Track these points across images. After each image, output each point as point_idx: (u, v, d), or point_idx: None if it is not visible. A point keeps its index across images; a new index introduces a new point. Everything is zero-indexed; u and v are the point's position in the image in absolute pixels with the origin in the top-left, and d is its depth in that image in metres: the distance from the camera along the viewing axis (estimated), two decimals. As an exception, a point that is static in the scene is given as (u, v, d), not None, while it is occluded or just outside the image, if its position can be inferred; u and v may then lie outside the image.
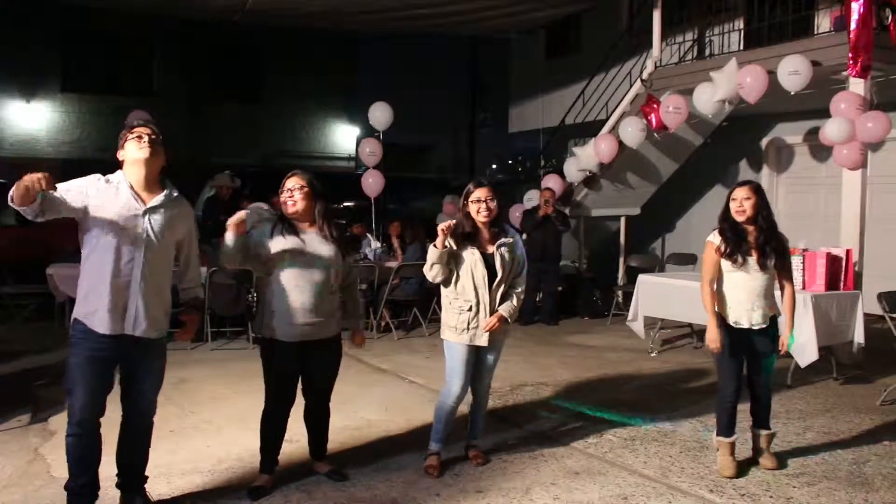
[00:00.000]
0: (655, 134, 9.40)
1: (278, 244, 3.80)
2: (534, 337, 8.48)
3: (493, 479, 4.12)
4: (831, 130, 7.18)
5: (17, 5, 13.55)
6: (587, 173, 10.24)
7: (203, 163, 14.10)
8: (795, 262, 6.51)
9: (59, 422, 5.04)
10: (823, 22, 8.75)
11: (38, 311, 8.79)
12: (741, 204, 4.21)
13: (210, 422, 5.03)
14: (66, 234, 11.35)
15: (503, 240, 4.20)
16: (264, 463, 4.00)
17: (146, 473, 3.72)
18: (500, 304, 4.17)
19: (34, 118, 15.79)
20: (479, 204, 4.13)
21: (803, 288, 6.45)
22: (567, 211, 10.70)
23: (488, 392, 4.48)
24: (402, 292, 8.59)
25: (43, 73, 15.64)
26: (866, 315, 6.50)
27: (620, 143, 9.56)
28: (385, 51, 18.00)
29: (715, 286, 4.31)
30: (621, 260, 10.63)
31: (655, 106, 9.18)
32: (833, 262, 6.46)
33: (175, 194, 3.51)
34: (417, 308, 8.58)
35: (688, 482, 4.12)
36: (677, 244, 11.75)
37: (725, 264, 4.24)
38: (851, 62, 7.14)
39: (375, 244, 9.19)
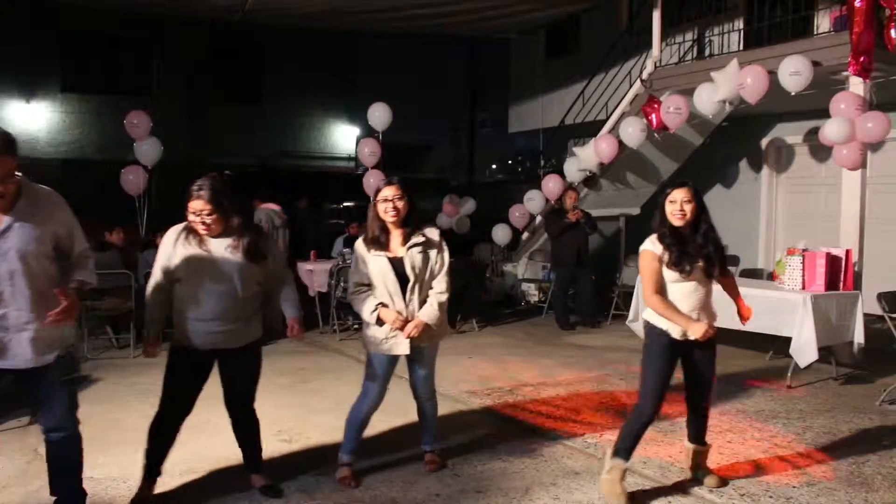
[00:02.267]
0: (655, 134, 9.40)
1: (181, 253, 3.63)
2: (534, 337, 8.48)
3: (493, 479, 4.12)
4: (831, 130, 7.17)
5: (17, 5, 13.55)
6: (587, 173, 10.24)
7: (203, 163, 14.10)
8: (795, 262, 6.52)
9: (59, 422, 5.05)
10: (823, 22, 8.75)
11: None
12: (681, 207, 3.74)
13: (208, 422, 5.01)
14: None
15: (414, 240, 3.95)
16: (149, 469, 3.76)
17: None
18: (420, 308, 3.98)
19: (34, 118, 15.80)
20: (386, 203, 3.91)
21: (803, 288, 6.45)
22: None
23: (433, 400, 4.26)
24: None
25: (43, 73, 15.65)
26: (866, 315, 6.50)
27: (620, 143, 9.56)
28: (385, 51, 18.01)
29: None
30: (622, 260, 10.61)
31: (656, 106, 9.18)
32: (833, 262, 6.46)
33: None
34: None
35: (688, 482, 4.12)
36: (677, 244, 11.73)
37: (670, 275, 3.76)
38: (852, 62, 7.14)
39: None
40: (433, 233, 4.08)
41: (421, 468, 4.24)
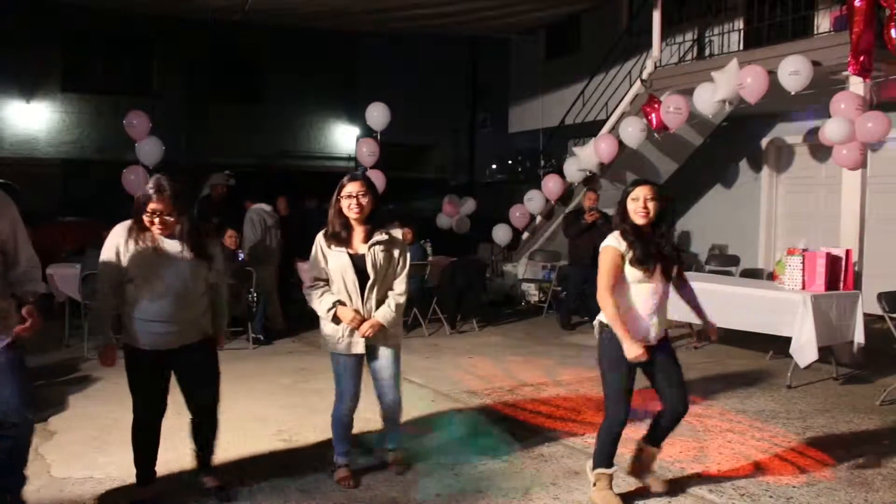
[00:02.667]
0: (655, 134, 9.39)
1: (132, 253, 3.53)
2: (534, 337, 8.48)
3: (493, 479, 4.12)
4: (831, 130, 7.17)
5: (17, 5, 13.55)
6: (587, 173, 10.24)
7: (203, 163, 14.10)
8: (795, 262, 6.52)
9: (59, 422, 5.05)
10: (823, 22, 8.75)
11: (37, 311, 8.77)
12: (644, 205, 3.61)
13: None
14: (67, 234, 11.41)
15: (377, 237, 3.88)
16: (140, 476, 3.74)
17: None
18: (377, 308, 3.91)
19: (34, 118, 15.79)
20: (350, 199, 3.82)
21: (803, 288, 6.45)
22: (567, 211, 10.72)
23: (395, 400, 4.17)
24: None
25: (43, 73, 15.65)
26: (866, 315, 6.50)
27: (620, 143, 9.56)
28: (385, 51, 17.98)
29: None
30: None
31: (656, 106, 9.18)
32: (833, 262, 6.46)
33: None
34: (417, 308, 8.58)
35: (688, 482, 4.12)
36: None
37: (634, 274, 3.63)
38: (852, 61, 7.13)
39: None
40: (398, 232, 4.02)
41: (422, 468, 4.24)
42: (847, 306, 6.37)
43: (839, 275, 6.51)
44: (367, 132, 10.38)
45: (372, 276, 3.87)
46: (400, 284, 3.98)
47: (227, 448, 4.54)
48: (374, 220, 3.91)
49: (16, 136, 15.61)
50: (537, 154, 14.01)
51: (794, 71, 7.49)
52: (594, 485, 3.80)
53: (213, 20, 10.81)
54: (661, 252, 3.66)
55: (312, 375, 6.41)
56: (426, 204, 13.16)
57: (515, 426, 5.10)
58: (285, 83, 17.57)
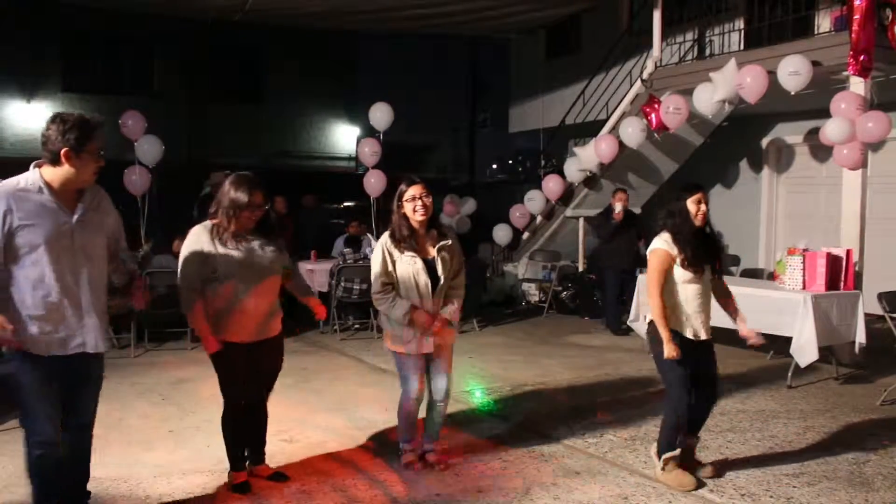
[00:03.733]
0: (656, 134, 9.39)
1: (220, 252, 3.72)
2: (534, 337, 8.48)
3: (493, 479, 4.12)
4: (831, 130, 7.17)
5: (17, 5, 13.55)
6: (587, 173, 10.24)
7: (203, 163, 14.10)
8: (796, 262, 6.53)
9: (60, 422, 5.05)
10: (823, 22, 8.75)
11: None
12: (702, 209, 3.95)
13: (210, 421, 5.02)
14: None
15: (443, 242, 4.01)
16: (233, 461, 3.95)
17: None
18: (443, 307, 4.03)
19: (34, 118, 15.77)
20: (415, 202, 3.91)
21: (803, 288, 6.45)
22: (567, 211, 10.72)
23: (446, 398, 4.23)
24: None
25: (43, 73, 15.65)
26: (866, 315, 6.50)
27: (621, 143, 9.56)
28: (385, 51, 18.00)
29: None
30: (621, 260, 10.61)
31: (656, 106, 9.18)
32: (833, 262, 6.46)
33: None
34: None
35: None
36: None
37: (684, 275, 3.89)
38: (852, 61, 7.13)
39: (375, 244, 9.18)
40: (452, 232, 4.14)
41: (422, 468, 4.24)
42: (847, 306, 6.37)
43: (839, 275, 6.51)
44: (368, 132, 10.39)
45: (442, 279, 3.98)
46: (460, 281, 4.10)
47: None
48: (435, 223, 4.06)
49: (16, 136, 15.61)
50: (537, 154, 14.01)
51: (793, 71, 7.49)
52: (662, 469, 4.06)
53: (213, 20, 10.81)
54: (713, 253, 3.96)
55: (314, 375, 6.41)
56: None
57: (515, 426, 5.10)
58: (285, 83, 17.57)
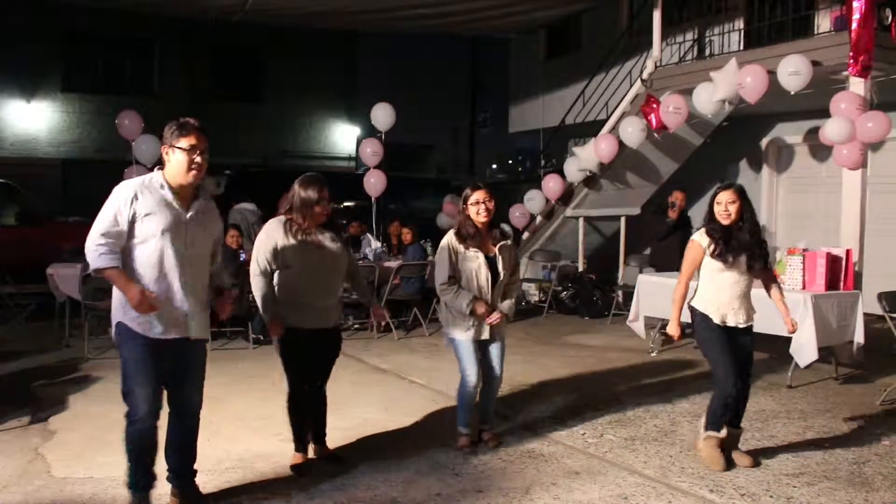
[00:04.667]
0: (655, 134, 9.40)
1: (290, 244, 4.13)
2: (534, 337, 8.48)
3: (493, 479, 4.12)
4: (831, 130, 7.17)
5: (17, 5, 13.55)
6: (587, 173, 10.24)
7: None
8: (795, 261, 6.53)
9: (59, 422, 5.05)
10: (823, 22, 8.75)
11: (38, 311, 8.78)
12: (726, 208, 4.27)
13: (210, 422, 5.01)
14: (66, 234, 11.38)
15: (503, 242, 4.50)
16: (298, 442, 4.30)
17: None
18: (502, 300, 4.50)
19: (34, 118, 15.80)
20: (478, 206, 4.39)
21: (803, 288, 6.45)
22: (567, 211, 10.72)
23: (499, 381, 4.67)
24: (402, 292, 8.60)
25: (43, 73, 15.66)
26: (866, 315, 6.50)
27: (620, 143, 9.56)
28: (385, 50, 18.02)
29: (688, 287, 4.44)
30: (621, 260, 10.62)
31: (655, 106, 9.18)
32: (833, 262, 6.46)
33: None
34: (417, 308, 8.58)
35: (688, 482, 4.12)
36: (677, 244, 11.75)
37: (714, 265, 4.26)
38: (852, 61, 7.13)
39: (375, 244, 9.19)
40: (510, 233, 4.72)
41: (422, 468, 4.24)
42: (847, 306, 6.37)
43: (839, 275, 6.51)
44: (368, 132, 10.40)
45: (502, 275, 4.48)
46: (516, 277, 4.67)
47: (228, 447, 4.55)
48: (496, 224, 4.58)
49: (16, 136, 15.62)
50: (537, 154, 14.01)
51: (794, 71, 7.49)
52: (703, 440, 4.34)
53: (213, 20, 10.82)
54: (746, 247, 4.23)
55: (312, 375, 6.40)
56: (426, 204, 13.12)
57: (515, 426, 5.10)
58: (285, 83, 17.58)
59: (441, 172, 21.34)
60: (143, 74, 16.74)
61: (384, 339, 8.13)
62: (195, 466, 3.75)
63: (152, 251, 3.37)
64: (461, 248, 4.41)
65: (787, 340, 6.17)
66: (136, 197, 3.37)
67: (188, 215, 3.46)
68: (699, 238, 4.33)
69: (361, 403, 5.55)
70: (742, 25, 9.70)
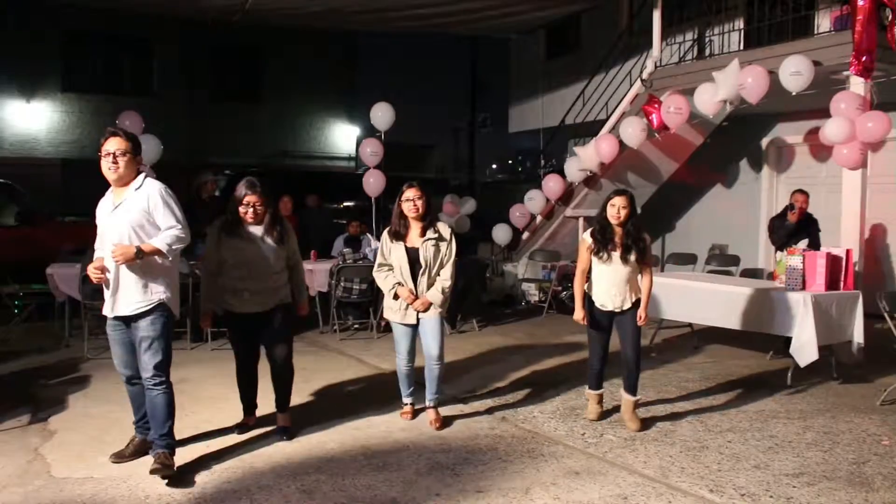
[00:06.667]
0: (656, 134, 9.39)
1: (227, 243, 4.77)
2: (534, 337, 8.48)
3: (493, 479, 4.12)
4: (831, 130, 7.17)
5: (17, 5, 13.55)
6: (587, 173, 10.24)
7: (203, 163, 14.11)
8: (796, 262, 6.52)
9: (59, 422, 5.05)
10: (823, 22, 8.75)
11: (38, 311, 8.78)
12: (619, 211, 4.87)
13: (210, 422, 5.03)
14: (66, 234, 11.40)
15: (429, 234, 4.89)
16: (245, 408, 5.04)
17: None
18: (428, 290, 4.90)
19: (34, 118, 15.80)
20: (408, 203, 4.85)
21: (803, 288, 6.45)
22: (567, 211, 10.72)
23: (436, 361, 5.01)
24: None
25: (43, 73, 15.66)
26: (866, 315, 6.49)
27: (621, 143, 9.56)
28: (385, 51, 18.09)
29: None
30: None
31: (656, 106, 9.18)
32: (833, 262, 6.45)
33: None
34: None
35: (688, 482, 4.12)
36: (677, 244, 11.75)
37: (594, 259, 4.98)
38: (854, 61, 7.13)
39: (375, 244, 9.18)
40: (444, 228, 4.98)
41: (422, 468, 4.24)
42: (847, 306, 6.37)
43: (839, 275, 6.50)
44: (368, 132, 10.40)
45: (423, 266, 4.88)
46: (447, 271, 4.94)
47: (228, 446, 4.54)
48: (427, 219, 4.92)
49: (16, 136, 15.62)
50: (537, 154, 14.01)
51: (795, 71, 7.49)
52: (587, 401, 5.30)
53: (213, 20, 10.81)
54: (623, 244, 4.89)
55: (313, 375, 6.40)
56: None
57: (515, 426, 5.10)
58: (285, 83, 17.58)
59: (441, 172, 21.35)
60: (142, 74, 16.74)
61: (384, 339, 8.12)
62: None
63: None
64: (389, 240, 4.95)
65: (787, 340, 6.17)
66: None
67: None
68: (587, 237, 5.11)
69: (361, 403, 5.55)
70: (742, 25, 9.70)
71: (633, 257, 4.91)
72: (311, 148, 18.55)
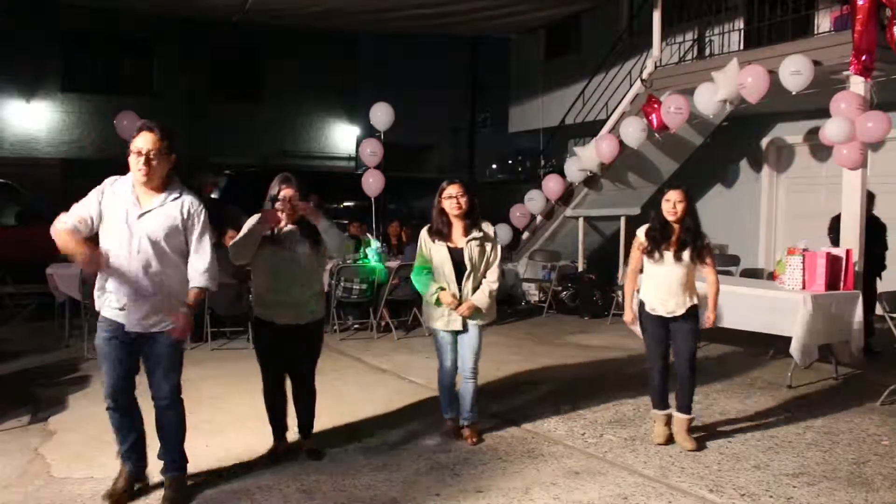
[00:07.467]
0: (656, 134, 9.39)
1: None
2: (534, 337, 8.48)
3: (493, 479, 4.12)
4: (831, 130, 7.17)
5: (17, 5, 13.55)
6: (588, 173, 10.23)
7: (203, 163, 14.10)
8: (796, 262, 6.53)
9: (59, 422, 5.05)
10: (823, 22, 8.75)
11: (38, 311, 8.78)
12: (674, 206, 4.56)
13: (210, 422, 5.03)
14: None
15: (474, 234, 4.53)
16: (274, 430, 4.51)
17: None
18: (473, 293, 4.55)
19: (34, 118, 15.79)
20: (451, 200, 4.51)
21: (803, 288, 6.45)
22: (567, 211, 10.71)
23: (472, 376, 4.66)
24: (401, 292, 8.58)
25: (43, 73, 15.65)
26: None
27: (621, 143, 9.56)
28: (385, 51, 18.05)
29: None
30: (621, 260, 10.62)
31: (656, 106, 9.17)
32: (833, 262, 6.46)
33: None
34: (417, 308, 8.57)
35: (688, 482, 4.12)
36: (677, 244, 11.73)
37: (646, 259, 4.65)
38: (854, 61, 7.12)
39: (375, 244, 9.18)
40: (489, 227, 4.64)
41: (422, 468, 4.24)
42: (847, 306, 6.37)
43: (839, 275, 6.50)
44: (368, 132, 10.39)
45: (468, 268, 4.53)
46: (493, 273, 4.62)
47: (228, 446, 4.54)
48: (471, 217, 4.56)
49: (16, 136, 15.61)
50: (537, 154, 14.01)
51: (795, 71, 7.48)
52: (654, 422, 4.82)
53: (213, 20, 10.82)
54: (679, 242, 4.56)
55: (312, 375, 6.40)
56: (426, 204, 13.11)
57: (515, 426, 5.09)
58: (285, 83, 17.57)
59: (441, 172, 21.35)
60: (142, 74, 16.73)
61: (384, 340, 8.13)
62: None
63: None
64: (430, 240, 4.59)
65: (787, 340, 6.17)
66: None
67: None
68: (639, 234, 4.77)
69: (361, 403, 5.55)
70: (742, 25, 9.70)
71: (686, 256, 4.57)
72: (311, 148, 18.55)
